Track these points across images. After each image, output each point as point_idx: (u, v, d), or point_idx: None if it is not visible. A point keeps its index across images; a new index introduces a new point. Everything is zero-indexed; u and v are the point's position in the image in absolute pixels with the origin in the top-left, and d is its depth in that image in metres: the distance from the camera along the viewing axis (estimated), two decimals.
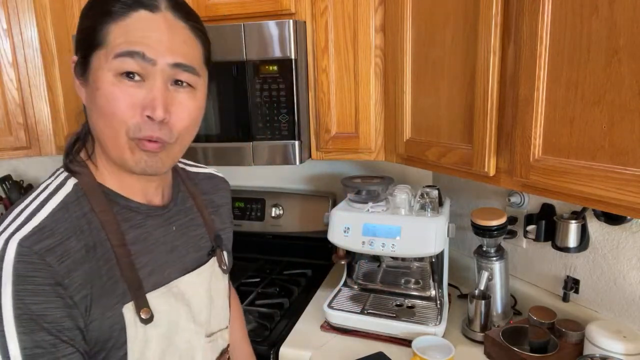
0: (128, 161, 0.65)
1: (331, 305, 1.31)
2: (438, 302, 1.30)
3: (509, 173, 0.92)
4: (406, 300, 1.33)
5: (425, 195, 1.24)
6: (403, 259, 1.39)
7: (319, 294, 1.49)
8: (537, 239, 1.25)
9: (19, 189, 1.87)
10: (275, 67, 1.26)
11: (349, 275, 1.43)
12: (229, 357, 0.90)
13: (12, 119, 1.52)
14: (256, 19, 1.29)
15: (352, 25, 1.26)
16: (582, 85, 0.74)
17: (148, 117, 0.63)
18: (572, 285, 1.22)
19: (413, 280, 1.37)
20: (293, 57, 1.25)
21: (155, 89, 0.63)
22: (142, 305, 0.68)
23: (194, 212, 0.83)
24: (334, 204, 1.51)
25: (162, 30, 0.63)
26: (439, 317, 1.23)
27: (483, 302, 1.19)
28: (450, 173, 1.10)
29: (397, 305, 1.31)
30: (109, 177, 0.70)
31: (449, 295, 1.35)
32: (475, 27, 0.94)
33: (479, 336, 1.19)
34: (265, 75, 1.27)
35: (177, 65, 0.64)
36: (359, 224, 1.24)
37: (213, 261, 0.83)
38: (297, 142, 1.30)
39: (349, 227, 1.25)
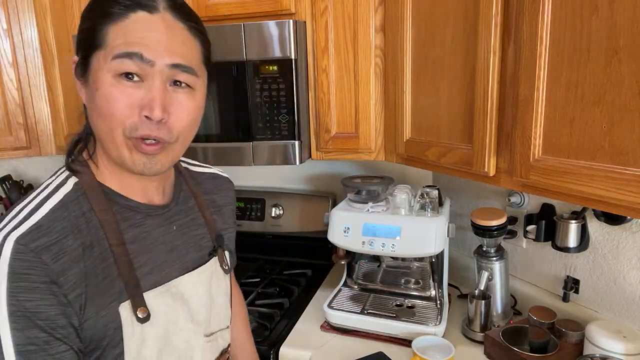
0: (126, 161, 0.66)
1: (331, 305, 1.31)
2: (438, 302, 1.30)
3: (509, 173, 0.92)
4: (406, 300, 1.33)
5: (425, 195, 1.24)
6: (403, 259, 1.39)
7: (319, 294, 1.49)
8: (537, 239, 1.25)
9: (19, 189, 1.87)
10: (275, 67, 1.26)
11: (349, 275, 1.43)
12: (229, 357, 0.90)
13: (12, 119, 1.52)
14: (256, 19, 1.29)
15: (352, 25, 1.26)
16: (582, 85, 0.74)
17: (146, 117, 0.63)
18: (572, 285, 1.22)
19: (413, 280, 1.37)
20: (293, 57, 1.25)
21: (153, 90, 0.63)
22: (139, 304, 0.68)
23: (195, 212, 0.83)
24: (334, 204, 1.51)
25: (161, 31, 0.63)
26: (439, 317, 1.23)
27: (483, 302, 1.19)
28: (450, 173, 1.10)
29: (397, 305, 1.31)
30: (109, 177, 0.71)
31: (449, 295, 1.35)
32: (475, 27, 0.94)
33: (479, 336, 1.19)
34: (265, 75, 1.27)
35: (175, 66, 0.64)
36: (359, 224, 1.24)
37: (214, 261, 0.83)
38: (297, 142, 1.30)
39: (349, 227, 1.25)
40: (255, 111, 1.30)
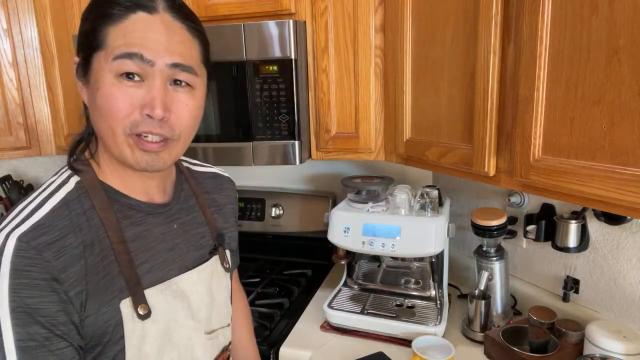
0: (128, 159, 0.67)
1: (331, 305, 1.31)
2: (438, 302, 1.30)
3: (509, 173, 0.92)
4: (406, 300, 1.33)
5: (425, 195, 1.24)
6: (403, 259, 1.39)
7: (319, 294, 1.49)
8: (537, 239, 1.25)
9: (19, 189, 1.87)
10: (275, 67, 1.26)
11: (349, 275, 1.43)
12: (229, 354, 0.91)
13: (12, 119, 1.52)
14: (256, 19, 1.29)
15: (352, 25, 1.26)
16: (582, 85, 0.74)
17: (148, 115, 0.64)
18: (572, 285, 1.22)
19: (413, 280, 1.37)
20: (293, 57, 1.25)
21: (154, 89, 0.64)
22: (139, 301, 0.69)
23: (196, 211, 0.84)
24: (334, 204, 1.51)
25: (160, 31, 0.64)
26: (439, 317, 1.23)
27: (483, 302, 1.19)
28: (450, 173, 1.10)
29: (397, 305, 1.31)
30: (110, 175, 0.72)
31: (449, 295, 1.35)
32: (475, 27, 0.94)
33: (479, 336, 1.19)
34: (265, 75, 1.27)
35: (175, 66, 0.65)
36: (359, 224, 1.24)
37: (215, 260, 0.84)
38: (297, 142, 1.30)
39: (349, 227, 1.25)
40: (255, 111, 1.30)
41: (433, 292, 1.32)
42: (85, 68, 0.67)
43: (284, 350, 1.21)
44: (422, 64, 1.13)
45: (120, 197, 0.72)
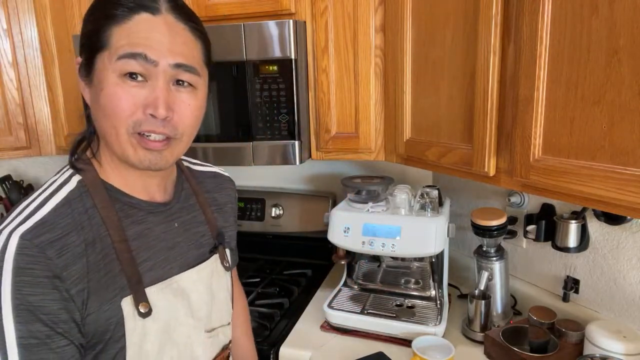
0: (131, 158, 0.68)
1: (331, 305, 1.31)
2: (438, 302, 1.30)
3: (509, 173, 0.92)
4: (406, 300, 1.33)
5: (425, 195, 1.24)
6: (403, 259, 1.39)
7: (319, 294, 1.49)
8: (537, 239, 1.25)
9: (19, 189, 1.87)
10: (275, 67, 1.26)
11: (349, 275, 1.43)
12: (229, 352, 0.91)
13: (12, 119, 1.52)
14: (256, 19, 1.29)
15: (352, 25, 1.26)
16: (582, 85, 0.74)
17: (151, 115, 0.65)
18: (572, 285, 1.22)
19: (413, 280, 1.37)
20: (293, 57, 1.25)
21: (157, 89, 0.65)
22: (140, 299, 0.69)
23: (196, 210, 0.85)
24: (334, 204, 1.51)
25: (163, 32, 0.65)
26: (439, 317, 1.23)
27: (483, 302, 1.19)
28: (450, 173, 1.10)
29: (397, 305, 1.31)
30: (112, 175, 0.72)
31: (449, 295, 1.35)
32: (475, 27, 0.94)
33: (479, 336, 1.19)
34: (265, 75, 1.27)
35: (178, 66, 0.66)
36: (359, 224, 1.24)
37: (215, 258, 0.85)
38: (297, 142, 1.30)
39: (349, 227, 1.25)
40: (255, 111, 1.30)
41: (433, 292, 1.32)
42: (88, 68, 0.67)
43: (284, 350, 1.21)
44: (422, 64, 1.13)
45: (122, 196, 0.72)
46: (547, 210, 1.25)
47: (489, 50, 0.91)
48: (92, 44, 0.66)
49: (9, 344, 0.59)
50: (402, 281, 1.38)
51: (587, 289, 1.20)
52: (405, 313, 1.26)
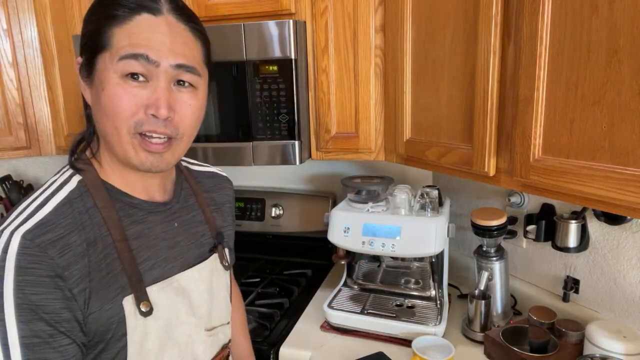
0: (132, 160, 0.68)
1: (331, 305, 1.31)
2: (438, 302, 1.30)
3: (509, 173, 0.92)
4: (406, 300, 1.33)
5: (425, 195, 1.24)
6: (403, 259, 1.39)
7: (319, 294, 1.49)
8: (537, 239, 1.25)
9: (19, 189, 1.87)
10: (275, 67, 1.26)
11: (349, 275, 1.43)
12: (229, 351, 0.92)
13: (12, 119, 1.52)
14: (256, 19, 1.29)
15: (352, 25, 1.26)
16: (582, 85, 0.74)
17: (152, 115, 0.65)
18: (572, 285, 1.22)
19: (413, 280, 1.37)
20: (293, 57, 1.25)
21: (159, 89, 0.65)
22: (142, 298, 0.70)
23: (195, 209, 0.85)
24: (334, 204, 1.51)
25: (164, 32, 0.66)
26: (439, 317, 1.23)
27: (483, 302, 1.19)
28: (450, 173, 1.10)
29: (397, 305, 1.31)
30: (112, 175, 0.73)
31: (449, 295, 1.35)
32: (475, 27, 0.94)
33: (479, 336, 1.19)
34: (265, 75, 1.27)
35: (179, 66, 0.67)
36: (359, 224, 1.24)
37: (214, 257, 0.85)
38: (297, 142, 1.30)
39: (349, 227, 1.25)
40: (255, 111, 1.30)
41: (433, 292, 1.32)
42: (89, 68, 0.68)
43: (284, 350, 1.21)
44: (422, 64, 1.13)
45: (122, 195, 0.72)
46: (547, 210, 1.25)
47: (489, 50, 0.91)
48: (93, 44, 0.66)
49: (12, 343, 0.59)
50: (402, 281, 1.38)
51: (587, 289, 1.20)
52: (405, 313, 1.26)
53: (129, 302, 0.68)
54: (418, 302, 1.32)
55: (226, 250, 0.90)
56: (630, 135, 0.68)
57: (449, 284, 1.43)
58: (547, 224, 1.23)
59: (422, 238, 1.18)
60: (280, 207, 1.76)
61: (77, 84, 0.71)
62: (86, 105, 0.72)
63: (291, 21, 1.23)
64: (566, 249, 1.18)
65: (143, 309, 0.69)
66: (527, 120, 0.83)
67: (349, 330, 1.27)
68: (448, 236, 1.21)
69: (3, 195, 1.86)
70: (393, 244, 1.19)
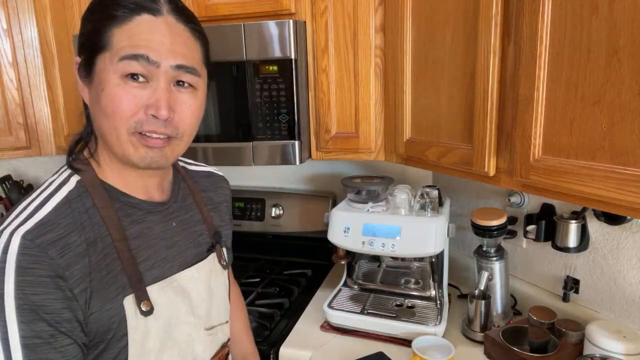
0: (132, 157, 0.68)
1: (331, 305, 1.31)
2: (438, 302, 1.30)
3: (509, 173, 0.92)
4: (406, 300, 1.33)
5: (425, 195, 1.24)
6: (403, 259, 1.39)
7: (319, 294, 1.49)
8: (537, 239, 1.25)
9: (19, 189, 1.87)
10: (275, 67, 1.26)
11: (349, 275, 1.43)
12: (228, 350, 0.92)
13: (12, 119, 1.52)
14: (256, 19, 1.29)
15: (352, 25, 1.26)
16: (582, 85, 0.74)
17: (153, 115, 0.65)
18: (572, 285, 1.22)
19: (413, 280, 1.37)
20: (293, 57, 1.25)
21: (159, 90, 0.65)
22: (142, 297, 0.70)
23: (193, 209, 0.85)
24: (334, 204, 1.51)
25: (165, 33, 0.66)
26: (439, 317, 1.23)
27: (483, 302, 1.19)
28: (450, 173, 1.10)
29: (397, 305, 1.31)
30: (111, 175, 0.73)
31: (449, 295, 1.35)
32: (475, 27, 0.94)
33: (479, 336, 1.19)
34: (265, 75, 1.27)
35: (179, 67, 0.67)
36: (359, 224, 1.24)
37: (212, 257, 0.85)
38: (297, 142, 1.30)
39: (349, 227, 1.25)
40: (255, 111, 1.30)
41: (433, 292, 1.32)
42: (88, 68, 0.67)
43: (284, 350, 1.21)
44: (422, 64, 1.13)
45: (121, 195, 0.73)
46: (547, 210, 1.25)
47: (489, 50, 0.91)
48: (92, 44, 0.66)
49: (13, 344, 0.59)
50: (402, 281, 1.38)
51: (587, 289, 1.20)
52: (405, 313, 1.26)
53: (129, 302, 0.68)
54: (418, 302, 1.32)
55: (224, 249, 0.90)
56: (630, 135, 0.68)
57: (449, 284, 1.43)
58: (547, 224, 1.23)
59: (422, 238, 1.18)
60: (280, 207, 1.76)
61: (76, 83, 0.71)
62: (85, 105, 0.72)
63: (291, 21, 1.23)
64: (566, 249, 1.18)
65: (144, 309, 0.69)
66: (527, 120, 0.83)
67: (349, 330, 1.27)
68: (448, 236, 1.21)
69: (3, 195, 1.86)
70: (393, 244, 1.19)
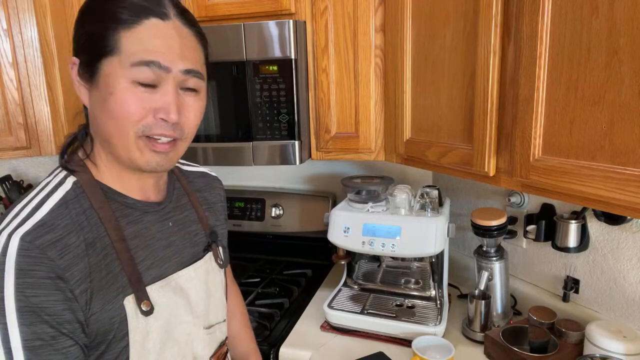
0: (137, 161, 0.68)
1: (331, 305, 1.31)
2: (438, 302, 1.30)
3: (509, 173, 0.92)
4: (406, 300, 1.33)
5: (425, 195, 1.24)
6: (403, 259, 1.39)
7: (319, 294, 1.49)
8: (537, 239, 1.25)
9: (19, 189, 1.87)
10: (275, 67, 1.26)
11: (349, 275, 1.43)
12: (227, 349, 0.92)
13: (12, 119, 1.52)
14: (256, 19, 1.29)
15: (352, 25, 1.26)
16: (582, 85, 0.74)
17: (161, 119, 0.66)
18: (572, 285, 1.22)
19: (413, 280, 1.37)
20: (293, 57, 1.25)
21: (168, 95, 0.66)
22: (142, 297, 0.70)
23: (189, 209, 0.86)
24: (334, 204, 1.51)
25: (174, 38, 0.66)
26: (439, 317, 1.23)
27: (483, 302, 1.19)
28: (450, 173, 1.10)
29: (397, 305, 1.31)
30: (108, 175, 0.73)
31: (449, 295, 1.35)
32: (475, 27, 0.94)
33: (479, 336, 1.19)
34: (265, 75, 1.27)
35: (187, 72, 0.68)
36: (359, 224, 1.24)
37: (209, 256, 0.86)
38: (297, 142, 1.30)
39: (349, 227, 1.25)
40: (255, 111, 1.30)
41: (433, 292, 1.32)
42: (89, 70, 0.67)
43: (284, 350, 1.21)
44: (422, 64, 1.13)
45: (117, 196, 0.72)
46: (547, 210, 1.25)
47: (489, 50, 0.91)
48: (96, 47, 0.65)
49: (14, 347, 0.59)
50: (402, 281, 1.38)
51: (587, 289, 1.20)
52: (405, 313, 1.26)
53: (129, 302, 0.68)
54: (418, 302, 1.32)
55: (220, 248, 0.91)
56: (630, 135, 0.68)
57: (449, 284, 1.43)
58: (547, 224, 1.23)
59: (422, 238, 1.18)
60: (280, 207, 1.76)
61: (73, 83, 0.71)
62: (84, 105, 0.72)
63: (291, 21, 1.23)
64: (566, 249, 1.18)
65: (144, 309, 0.69)
66: (527, 120, 0.83)
67: (349, 330, 1.27)
68: (448, 236, 1.21)
69: (3, 195, 1.86)
70: (393, 244, 1.19)
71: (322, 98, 1.33)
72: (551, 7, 0.78)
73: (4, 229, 0.62)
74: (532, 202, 1.31)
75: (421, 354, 1.04)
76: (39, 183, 0.71)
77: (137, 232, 0.73)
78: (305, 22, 1.30)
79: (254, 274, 1.67)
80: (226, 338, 0.92)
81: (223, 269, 0.91)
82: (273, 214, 1.76)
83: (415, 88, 1.16)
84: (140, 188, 0.75)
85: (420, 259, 1.37)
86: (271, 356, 1.21)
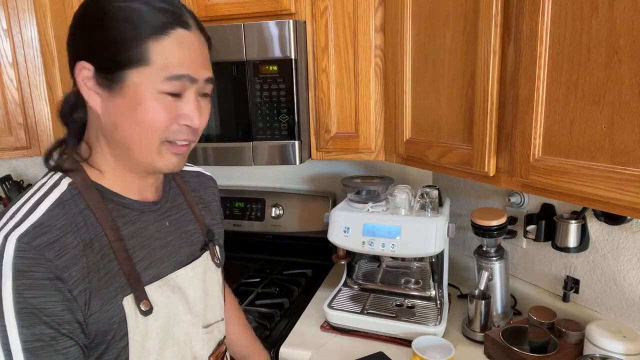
0: (157, 164, 0.70)
1: (331, 305, 1.31)
2: (438, 302, 1.30)
3: (509, 173, 0.92)
4: (406, 300, 1.33)
5: (425, 195, 1.24)
6: (403, 259, 1.39)
7: (319, 294, 1.49)
8: (537, 239, 1.25)
9: (19, 189, 1.87)
10: (275, 67, 1.26)
11: (349, 275, 1.43)
12: (225, 348, 0.93)
13: (12, 119, 1.52)
14: (256, 19, 1.29)
15: (352, 25, 1.26)
16: (582, 85, 0.74)
17: (185, 125, 0.68)
18: (572, 285, 1.22)
19: (413, 280, 1.37)
20: (293, 57, 1.25)
21: (192, 102, 0.68)
22: (141, 297, 0.70)
23: (185, 208, 0.86)
24: (334, 204, 1.51)
25: (198, 49, 0.68)
26: (439, 317, 1.23)
27: (483, 302, 1.19)
28: (450, 173, 1.10)
29: (397, 305, 1.31)
30: (109, 176, 0.73)
31: (449, 295, 1.35)
32: (475, 27, 0.94)
33: (479, 336, 1.19)
34: (265, 75, 1.27)
35: (208, 80, 0.70)
36: (359, 224, 1.24)
37: (206, 255, 0.86)
38: (297, 142, 1.30)
39: (349, 227, 1.25)
40: (255, 111, 1.30)
41: (433, 292, 1.32)
42: (109, 78, 0.64)
43: (284, 350, 1.21)
44: (422, 64, 1.13)
45: (114, 196, 0.72)
46: (547, 210, 1.25)
47: (489, 50, 0.91)
48: (120, 55, 0.63)
49: (14, 349, 0.59)
50: (402, 281, 1.38)
51: (587, 289, 1.20)
52: (405, 313, 1.26)
53: (129, 302, 0.68)
54: (418, 302, 1.32)
55: (217, 247, 0.91)
56: (630, 135, 0.68)
57: (449, 284, 1.43)
58: (547, 224, 1.23)
59: (422, 238, 1.18)
60: (280, 207, 1.76)
61: (81, 89, 0.68)
62: (75, 108, 0.71)
63: (291, 21, 1.23)
64: (566, 249, 1.18)
65: (143, 308, 0.69)
66: (527, 120, 0.83)
67: (349, 330, 1.27)
68: (448, 236, 1.21)
69: (3, 195, 1.86)
70: (393, 244, 1.19)
71: (322, 98, 1.33)
72: (551, 7, 0.78)
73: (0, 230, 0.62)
74: (532, 202, 1.31)
75: (421, 354, 1.04)
76: (34, 184, 0.71)
77: (135, 232, 0.73)
78: (305, 22, 1.30)
79: (254, 274, 1.67)
80: (224, 337, 0.92)
81: (220, 268, 0.92)
82: (273, 214, 1.76)
83: (415, 88, 1.16)
84: (138, 188, 0.75)
85: (420, 259, 1.37)
86: (271, 356, 1.21)
